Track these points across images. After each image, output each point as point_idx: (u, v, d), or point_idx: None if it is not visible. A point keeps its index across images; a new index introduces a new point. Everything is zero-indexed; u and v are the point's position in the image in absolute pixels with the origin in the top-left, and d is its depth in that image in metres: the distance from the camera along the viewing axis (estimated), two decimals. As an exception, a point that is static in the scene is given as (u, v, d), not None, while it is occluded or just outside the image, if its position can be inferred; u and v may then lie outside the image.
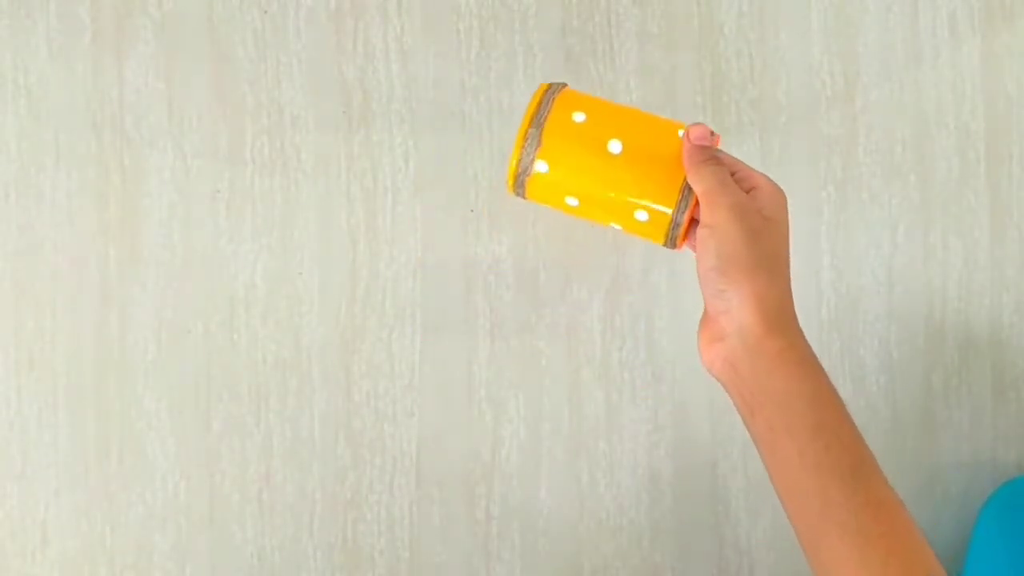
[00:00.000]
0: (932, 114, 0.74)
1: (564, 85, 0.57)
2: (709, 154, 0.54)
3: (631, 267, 0.72)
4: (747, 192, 0.54)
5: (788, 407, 0.51)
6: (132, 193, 0.69)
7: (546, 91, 0.56)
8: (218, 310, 0.70)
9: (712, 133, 0.55)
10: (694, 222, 0.56)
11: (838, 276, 0.73)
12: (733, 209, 0.52)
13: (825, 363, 0.73)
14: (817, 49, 0.73)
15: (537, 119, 0.55)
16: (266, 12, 0.70)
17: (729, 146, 0.72)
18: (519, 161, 0.56)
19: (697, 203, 0.54)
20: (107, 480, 0.69)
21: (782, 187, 0.55)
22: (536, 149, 0.55)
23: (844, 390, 0.73)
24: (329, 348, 0.70)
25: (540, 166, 0.55)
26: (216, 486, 0.69)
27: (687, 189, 0.54)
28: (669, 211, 0.55)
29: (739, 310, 0.51)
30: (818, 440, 0.51)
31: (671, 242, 0.56)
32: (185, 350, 0.69)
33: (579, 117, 0.56)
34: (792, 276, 0.73)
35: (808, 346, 0.53)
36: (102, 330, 0.69)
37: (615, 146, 0.55)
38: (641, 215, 0.55)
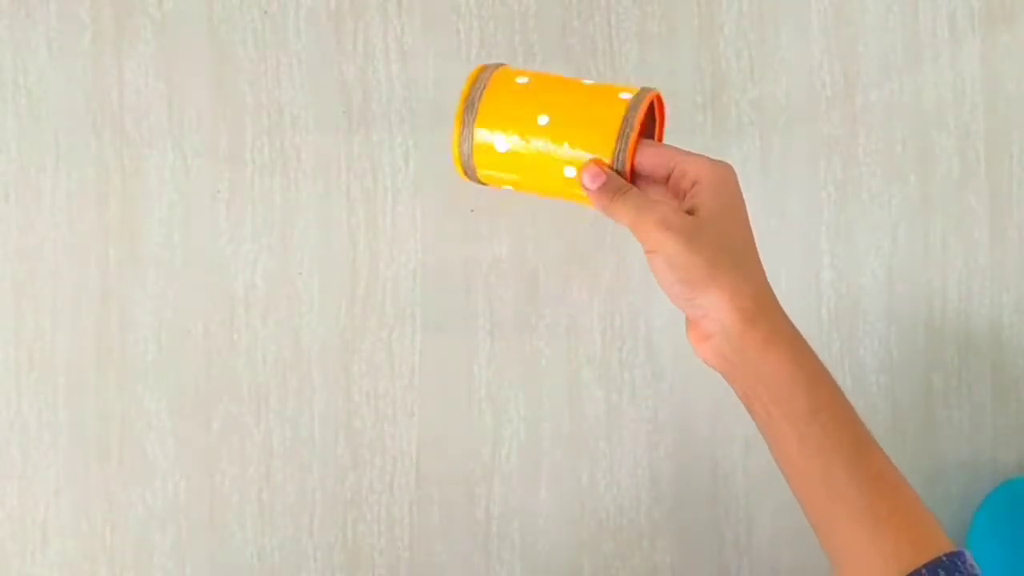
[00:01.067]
0: (932, 114, 0.74)
1: (501, 64, 0.59)
2: (610, 188, 0.54)
3: (631, 267, 0.72)
4: (690, 188, 0.53)
5: (781, 392, 0.51)
6: (132, 193, 0.69)
7: (480, 72, 0.58)
8: (218, 310, 0.70)
9: (600, 165, 0.55)
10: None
11: (838, 276, 0.73)
12: (662, 225, 0.51)
13: (825, 363, 0.73)
14: (817, 49, 0.73)
15: (472, 97, 0.57)
16: (266, 12, 0.70)
17: (729, 146, 0.72)
18: (458, 142, 0.57)
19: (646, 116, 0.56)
20: (107, 480, 0.69)
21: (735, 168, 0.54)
22: (474, 119, 0.56)
23: (844, 390, 0.73)
24: (329, 348, 0.70)
25: (480, 134, 0.56)
26: (216, 486, 0.69)
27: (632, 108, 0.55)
28: (629, 96, 0.55)
29: (715, 312, 0.51)
30: (815, 422, 0.51)
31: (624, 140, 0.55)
32: (185, 350, 0.69)
33: (522, 80, 0.57)
34: (792, 276, 0.73)
35: (793, 328, 0.53)
36: (102, 330, 0.69)
37: (549, 105, 0.56)
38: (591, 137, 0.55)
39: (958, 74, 0.74)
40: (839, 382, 0.73)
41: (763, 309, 0.52)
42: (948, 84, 0.74)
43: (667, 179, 0.55)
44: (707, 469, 0.72)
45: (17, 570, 0.68)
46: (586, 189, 0.55)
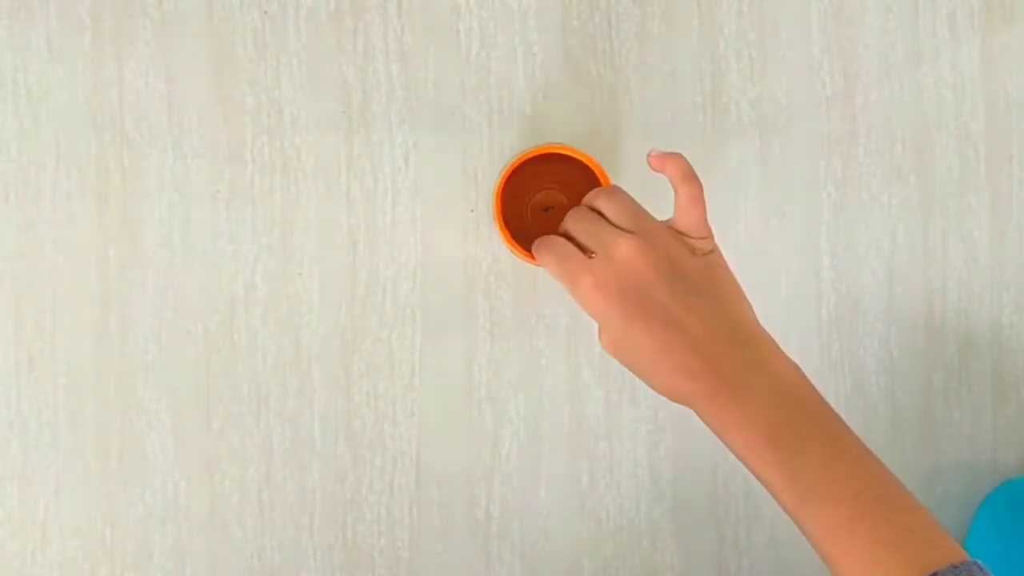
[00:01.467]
0: (932, 114, 0.74)
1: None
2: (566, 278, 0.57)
3: (631, 267, 0.71)
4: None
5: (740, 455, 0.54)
6: (132, 193, 0.69)
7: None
8: (218, 310, 0.70)
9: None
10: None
11: (838, 276, 0.73)
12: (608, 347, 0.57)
13: (825, 363, 0.73)
14: (817, 49, 0.73)
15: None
16: (266, 12, 0.70)
17: (729, 146, 0.72)
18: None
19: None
20: (107, 480, 0.69)
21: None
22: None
23: (844, 390, 0.73)
24: (329, 348, 0.70)
25: None
26: (216, 486, 0.69)
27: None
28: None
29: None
30: (759, 477, 0.53)
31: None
32: (185, 350, 0.69)
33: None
34: (792, 276, 0.73)
35: (706, 401, 0.54)
36: (102, 330, 0.69)
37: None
38: None
39: (958, 74, 0.74)
40: (839, 382, 0.73)
41: (677, 398, 0.55)
42: (948, 84, 0.74)
43: None
44: (707, 469, 0.72)
45: (17, 570, 0.68)
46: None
